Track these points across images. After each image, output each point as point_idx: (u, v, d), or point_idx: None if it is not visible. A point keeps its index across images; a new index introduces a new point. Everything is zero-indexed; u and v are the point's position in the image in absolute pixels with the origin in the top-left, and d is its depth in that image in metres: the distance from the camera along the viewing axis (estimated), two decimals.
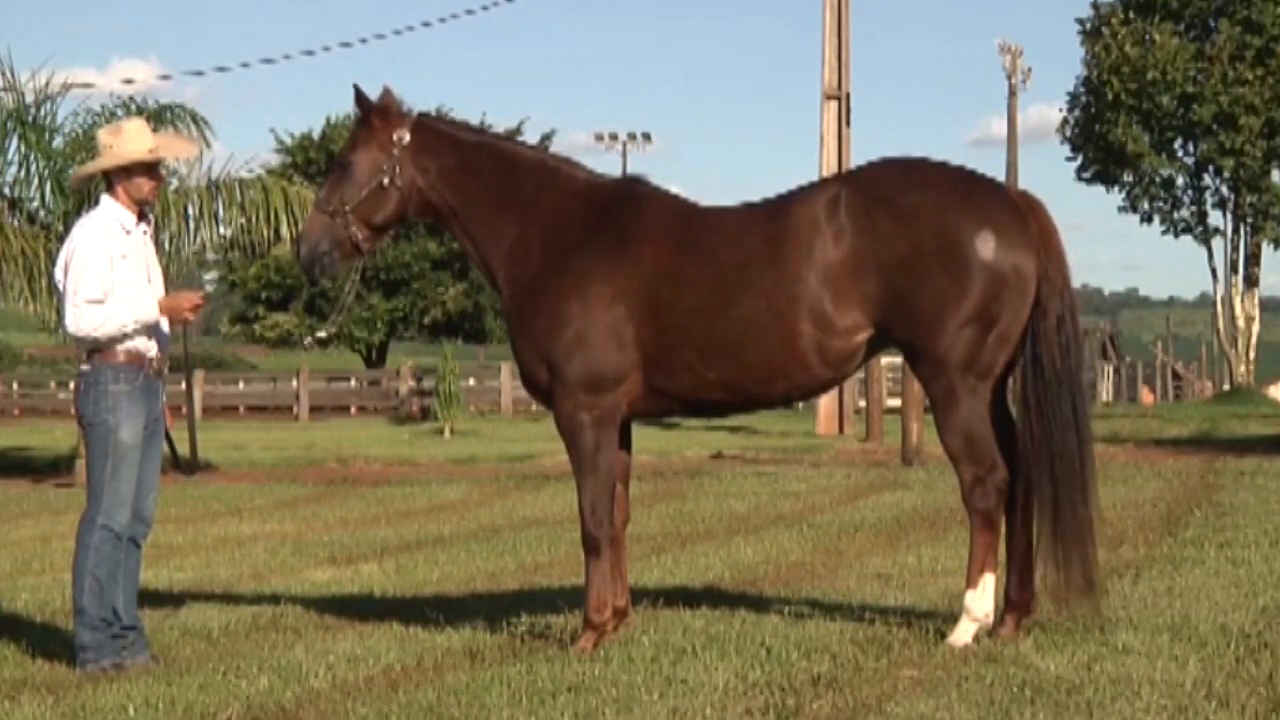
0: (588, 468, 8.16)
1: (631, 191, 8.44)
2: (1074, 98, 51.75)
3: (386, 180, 8.38)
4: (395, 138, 8.39)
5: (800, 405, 35.22)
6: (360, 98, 8.42)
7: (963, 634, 7.84)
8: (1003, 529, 8.00)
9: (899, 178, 8.07)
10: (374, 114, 8.41)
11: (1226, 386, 54.52)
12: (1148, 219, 51.52)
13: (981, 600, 7.89)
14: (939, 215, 7.84)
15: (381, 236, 8.61)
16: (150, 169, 8.35)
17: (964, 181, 8.05)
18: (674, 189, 8.56)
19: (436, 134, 8.52)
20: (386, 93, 8.49)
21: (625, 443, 8.39)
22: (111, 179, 8.33)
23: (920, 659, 7.51)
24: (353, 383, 55.28)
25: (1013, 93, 55.14)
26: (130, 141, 8.29)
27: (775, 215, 8.11)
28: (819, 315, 7.91)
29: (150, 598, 9.72)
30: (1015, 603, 8.00)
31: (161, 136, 9.23)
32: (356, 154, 8.42)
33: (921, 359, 7.96)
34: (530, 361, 8.30)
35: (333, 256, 8.41)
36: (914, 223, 7.84)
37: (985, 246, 7.79)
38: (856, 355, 8.09)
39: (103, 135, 8.43)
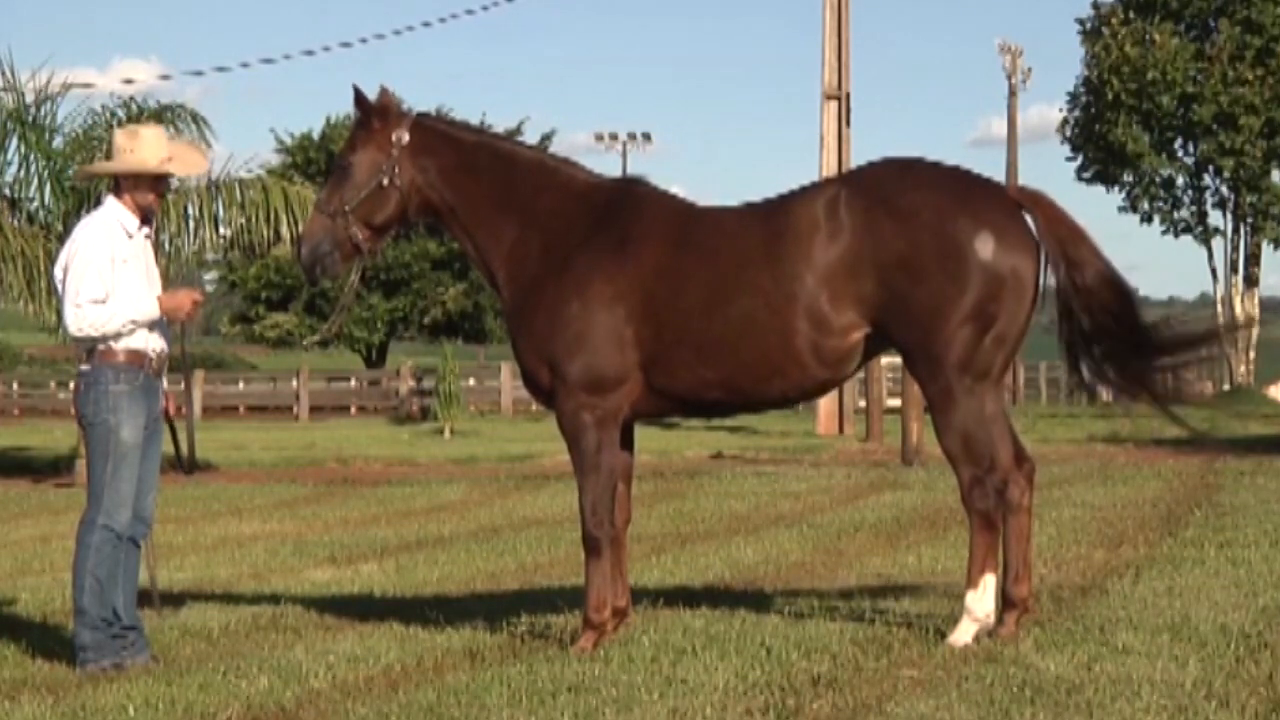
0: (589, 468, 8.15)
1: (631, 192, 8.43)
2: (1074, 98, 51.76)
3: (386, 180, 8.37)
4: (394, 138, 8.37)
5: (800, 406, 35.18)
6: (360, 98, 8.41)
7: (963, 634, 7.84)
8: (1002, 529, 8.00)
9: (898, 178, 8.07)
10: (373, 114, 8.40)
11: (1226, 386, 54.51)
12: (1148, 219, 51.49)
13: (982, 600, 7.89)
14: (937, 215, 7.83)
15: (383, 237, 8.58)
16: (160, 178, 8.34)
17: (963, 182, 8.05)
18: (674, 189, 8.57)
19: (435, 134, 8.51)
20: (385, 93, 8.48)
21: (628, 443, 8.39)
22: (119, 182, 8.33)
23: (920, 659, 7.51)
24: (353, 383, 55.32)
25: (1013, 93, 55.33)
26: (146, 150, 8.26)
27: (774, 215, 8.11)
28: (815, 314, 7.90)
29: (150, 598, 9.70)
30: (1015, 602, 8.00)
31: (177, 146, 9.07)
32: (356, 155, 8.41)
33: (918, 359, 7.95)
34: (531, 362, 8.29)
35: (334, 258, 8.40)
36: (912, 223, 7.83)
37: (984, 247, 7.78)
38: (853, 355, 8.07)
39: (120, 138, 8.38)
